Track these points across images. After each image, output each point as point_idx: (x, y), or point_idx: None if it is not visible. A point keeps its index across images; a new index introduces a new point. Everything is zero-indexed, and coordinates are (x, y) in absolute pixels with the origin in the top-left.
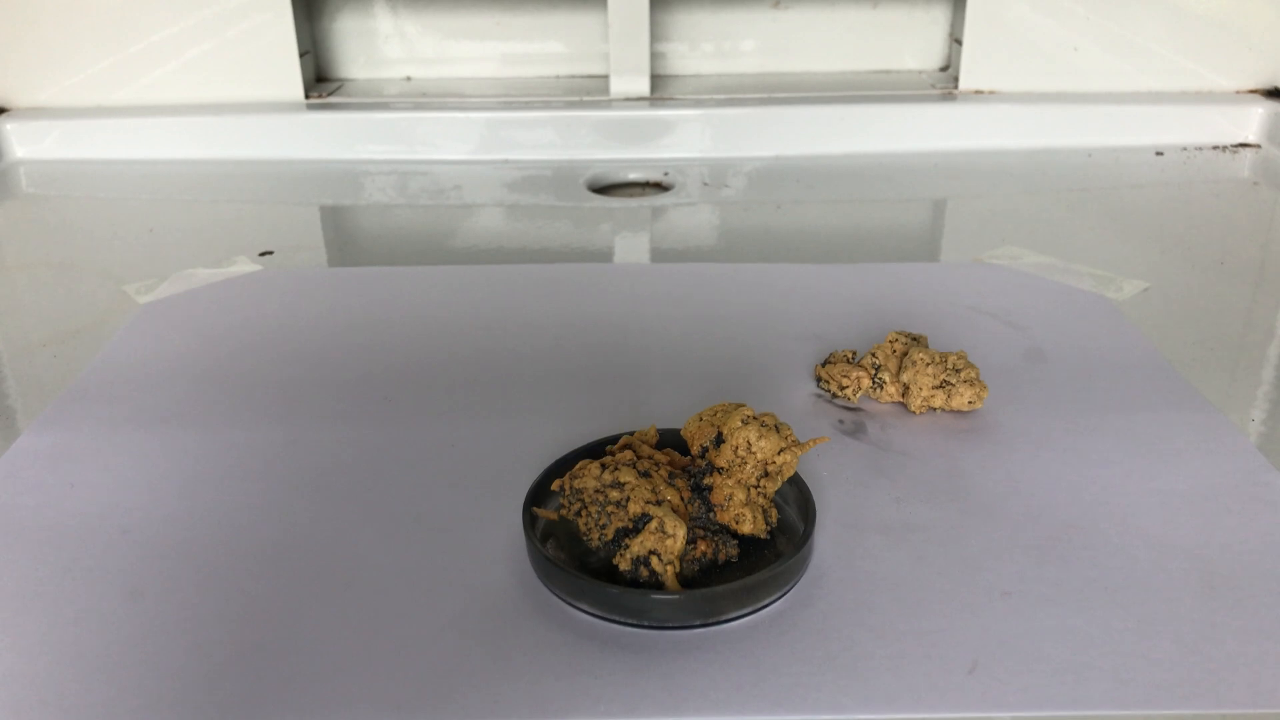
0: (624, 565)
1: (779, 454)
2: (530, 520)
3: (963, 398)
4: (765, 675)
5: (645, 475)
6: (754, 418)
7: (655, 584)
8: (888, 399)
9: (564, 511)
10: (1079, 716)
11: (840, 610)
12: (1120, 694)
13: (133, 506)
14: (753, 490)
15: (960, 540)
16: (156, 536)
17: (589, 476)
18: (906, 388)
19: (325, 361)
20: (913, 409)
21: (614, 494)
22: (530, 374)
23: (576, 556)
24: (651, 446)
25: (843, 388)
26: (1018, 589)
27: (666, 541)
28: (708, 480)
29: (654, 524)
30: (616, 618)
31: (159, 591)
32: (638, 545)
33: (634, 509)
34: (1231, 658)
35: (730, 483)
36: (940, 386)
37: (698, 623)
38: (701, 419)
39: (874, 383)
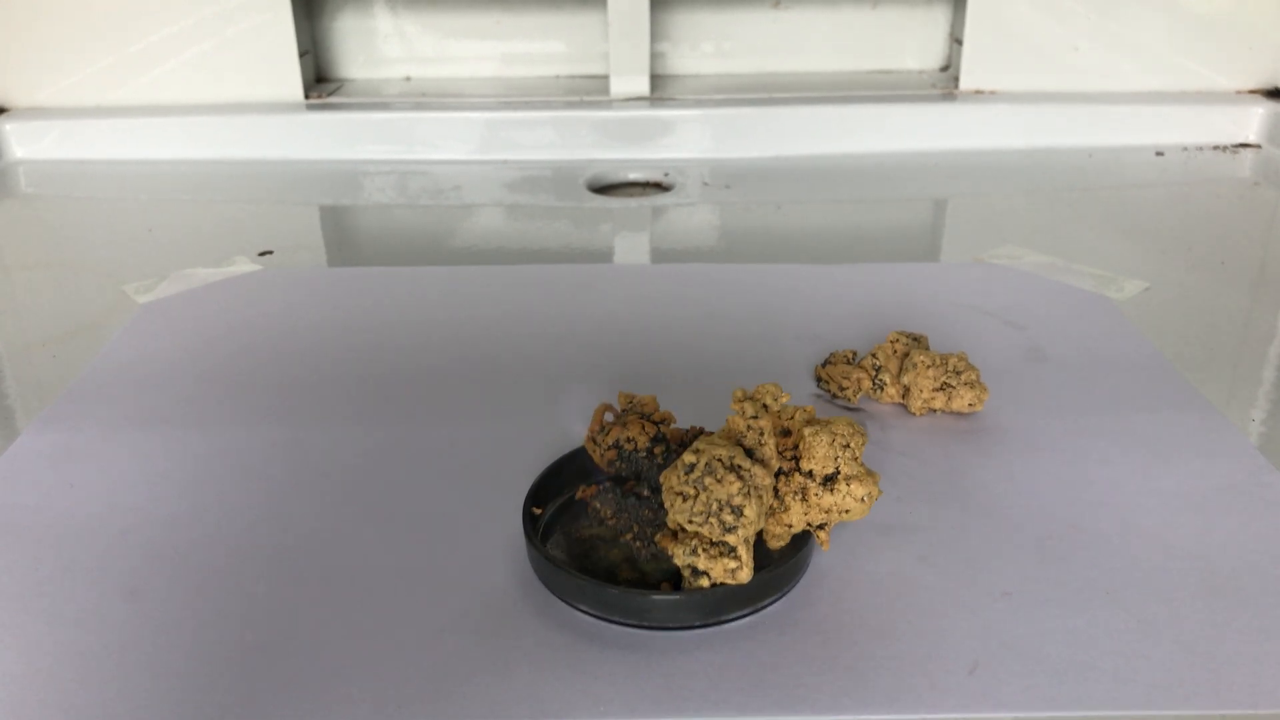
0: (680, 559)
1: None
2: (530, 520)
3: (963, 400)
4: (765, 675)
5: (758, 495)
6: (871, 496)
7: (673, 583)
8: (888, 400)
9: (672, 478)
10: (1079, 716)
11: (840, 610)
12: (1120, 694)
13: (133, 506)
14: (807, 526)
15: (960, 540)
16: (156, 536)
17: (726, 485)
18: (907, 389)
19: (325, 361)
20: (913, 410)
21: (728, 518)
22: (530, 374)
23: (576, 557)
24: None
25: (843, 389)
26: (1018, 589)
27: (727, 580)
28: (789, 501)
29: (734, 564)
30: (616, 618)
31: (159, 591)
32: (705, 564)
33: (733, 540)
34: (1231, 658)
35: (802, 516)
36: (941, 389)
37: (698, 623)
38: (834, 440)
39: (874, 384)
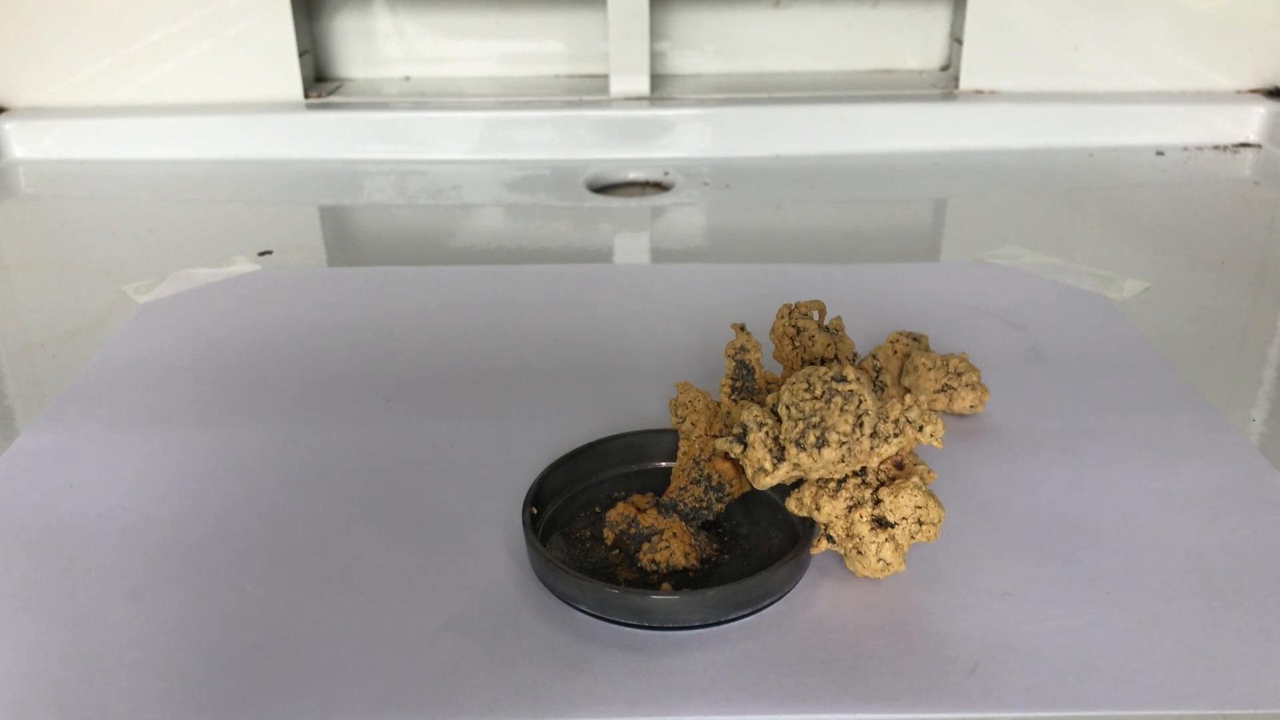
0: (745, 416)
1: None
2: (530, 520)
3: (964, 402)
4: (765, 675)
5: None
6: (887, 569)
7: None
8: None
9: (819, 370)
10: (1079, 716)
11: (840, 610)
12: (1120, 694)
13: (133, 506)
14: (824, 523)
15: (960, 540)
16: (156, 536)
17: (839, 421)
18: (908, 391)
19: (325, 361)
20: None
21: (810, 438)
22: (530, 374)
23: (575, 557)
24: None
25: None
26: (1018, 589)
27: (747, 470)
28: (840, 495)
29: (766, 468)
30: (616, 618)
31: (159, 591)
32: (754, 439)
33: (790, 455)
34: (1231, 658)
35: (829, 516)
36: (942, 390)
37: (698, 623)
38: (918, 510)
39: (875, 385)
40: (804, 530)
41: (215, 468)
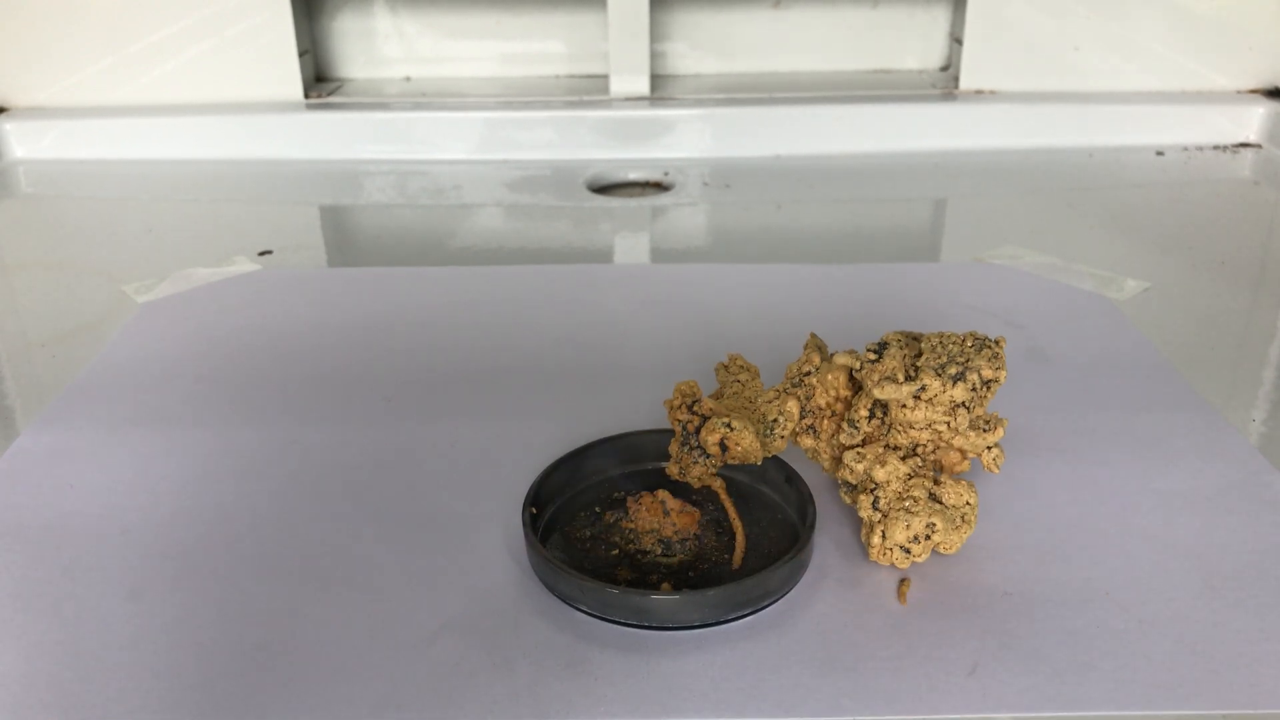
0: (888, 384)
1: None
2: (530, 520)
3: None
4: (765, 675)
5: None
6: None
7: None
8: None
9: (957, 347)
10: (1079, 717)
11: (840, 610)
12: (1120, 694)
13: (133, 506)
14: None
15: None
16: (156, 536)
17: (978, 368)
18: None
19: (325, 361)
20: None
21: (973, 382)
22: (530, 374)
23: (575, 557)
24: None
25: None
26: (1018, 589)
27: (881, 391)
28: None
29: (914, 388)
30: (616, 618)
31: (159, 591)
32: (916, 386)
33: (934, 386)
34: (1231, 658)
35: (901, 470)
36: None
37: (698, 623)
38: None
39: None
40: (804, 530)
41: (215, 468)
